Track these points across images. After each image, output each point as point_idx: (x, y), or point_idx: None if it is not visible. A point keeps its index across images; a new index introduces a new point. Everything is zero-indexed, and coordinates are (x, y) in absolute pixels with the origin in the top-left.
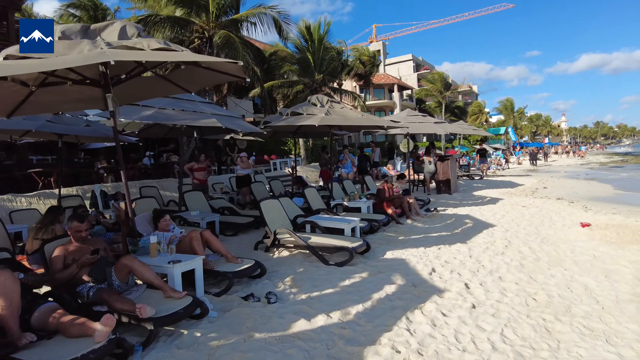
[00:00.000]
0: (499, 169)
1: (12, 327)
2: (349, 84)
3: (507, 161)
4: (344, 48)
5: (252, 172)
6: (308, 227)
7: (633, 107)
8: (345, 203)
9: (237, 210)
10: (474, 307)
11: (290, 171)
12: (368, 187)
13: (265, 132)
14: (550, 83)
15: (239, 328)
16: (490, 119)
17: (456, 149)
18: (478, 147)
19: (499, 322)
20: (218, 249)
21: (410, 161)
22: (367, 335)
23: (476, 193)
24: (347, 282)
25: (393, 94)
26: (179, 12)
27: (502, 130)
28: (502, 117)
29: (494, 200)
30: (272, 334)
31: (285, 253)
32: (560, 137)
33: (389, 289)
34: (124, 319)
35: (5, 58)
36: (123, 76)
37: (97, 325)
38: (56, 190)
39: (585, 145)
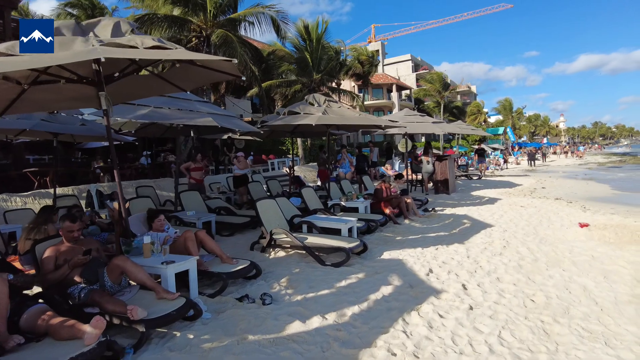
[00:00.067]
0: (497, 169)
1: (0, 329)
2: (348, 84)
3: (505, 161)
4: (342, 48)
5: (250, 172)
6: (305, 227)
7: (631, 107)
8: (343, 203)
9: (233, 210)
10: (471, 308)
11: (288, 171)
12: (366, 187)
13: (262, 132)
14: (549, 83)
15: (232, 330)
16: (488, 119)
17: (454, 149)
18: (476, 147)
19: (496, 324)
20: (213, 249)
21: (409, 161)
22: (363, 338)
23: (474, 193)
24: (343, 283)
25: (392, 94)
26: (176, 11)
27: (501, 130)
28: (500, 117)
29: (492, 200)
30: (266, 336)
31: (281, 253)
32: (558, 138)
33: (386, 290)
34: (116, 321)
35: None
36: (116, 74)
37: (86, 328)
38: (52, 190)
39: (583, 146)
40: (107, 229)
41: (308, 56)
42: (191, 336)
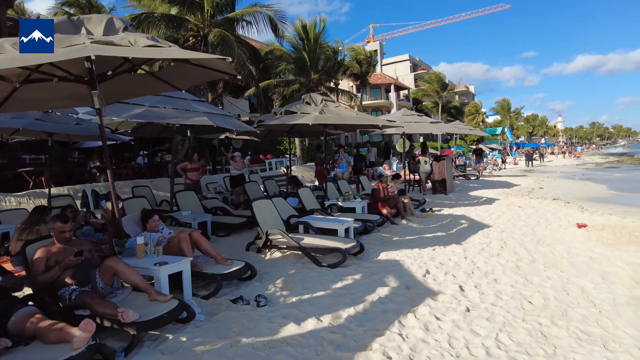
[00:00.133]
0: (495, 169)
1: None
2: (346, 84)
3: (504, 161)
4: (340, 48)
5: (247, 172)
6: (301, 227)
7: (628, 108)
8: (340, 203)
9: (229, 210)
10: (468, 310)
11: (285, 171)
12: (363, 187)
13: (258, 132)
14: (547, 84)
15: (226, 332)
16: (486, 119)
17: (452, 149)
18: (474, 147)
19: (493, 327)
20: (207, 250)
21: (406, 161)
22: (358, 340)
23: (472, 193)
24: (339, 285)
25: (390, 94)
26: (174, 11)
27: (499, 130)
28: (498, 117)
29: (490, 201)
30: (259, 339)
31: (277, 254)
32: (556, 138)
33: (382, 291)
34: (107, 324)
35: None
36: (109, 73)
37: (75, 331)
38: (47, 190)
39: (581, 146)
40: (101, 229)
41: (306, 56)
42: (184, 339)
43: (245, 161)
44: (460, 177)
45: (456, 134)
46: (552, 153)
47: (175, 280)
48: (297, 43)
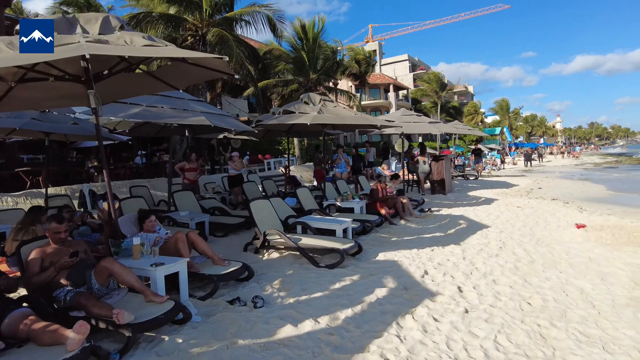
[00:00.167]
0: (494, 169)
1: None
2: (345, 84)
3: (502, 161)
4: (339, 47)
5: (246, 172)
6: (299, 228)
7: (627, 108)
8: (338, 203)
9: (227, 210)
10: (466, 311)
11: (284, 171)
12: (362, 187)
13: (256, 131)
14: (545, 84)
15: (222, 334)
16: (485, 120)
17: (451, 149)
18: (473, 147)
19: (492, 328)
20: (204, 250)
21: (405, 161)
22: (356, 342)
23: (471, 193)
24: (337, 285)
25: (389, 94)
26: (172, 10)
27: (498, 130)
28: (497, 117)
29: (488, 201)
30: (256, 341)
31: (275, 255)
32: (555, 138)
33: (380, 292)
34: (102, 325)
35: None
36: (105, 72)
37: (69, 333)
38: (44, 190)
39: (579, 146)
40: (98, 229)
41: (305, 55)
42: (180, 340)
43: (244, 161)
44: (459, 177)
45: (455, 134)
46: (551, 153)
47: (172, 281)
48: (295, 43)
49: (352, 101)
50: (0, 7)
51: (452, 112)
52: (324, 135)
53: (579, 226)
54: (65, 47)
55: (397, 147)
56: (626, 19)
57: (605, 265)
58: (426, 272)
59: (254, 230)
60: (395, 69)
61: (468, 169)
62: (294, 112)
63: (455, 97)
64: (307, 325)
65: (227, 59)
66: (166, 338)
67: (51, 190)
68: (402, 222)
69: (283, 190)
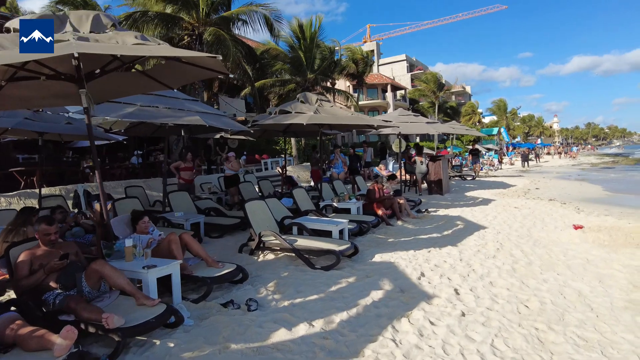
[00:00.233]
0: (491, 170)
1: None
2: (343, 84)
3: (500, 162)
4: (337, 47)
5: (242, 172)
6: (295, 229)
7: (624, 108)
8: (335, 204)
9: (223, 211)
10: (463, 315)
11: (280, 171)
12: (359, 187)
13: (252, 131)
14: (543, 84)
15: (215, 338)
16: (483, 120)
17: (449, 149)
18: (471, 147)
19: (489, 332)
20: (198, 252)
21: (402, 161)
22: (350, 347)
23: (468, 194)
24: (332, 288)
25: (386, 94)
26: (168, 9)
27: (495, 130)
28: (495, 117)
29: (486, 201)
30: (249, 345)
31: (270, 256)
32: (552, 138)
33: (376, 295)
34: (91, 329)
35: None
36: (97, 71)
37: (56, 339)
38: (38, 190)
39: (576, 146)
40: (92, 230)
41: (302, 55)
42: (171, 344)
43: (241, 161)
44: (457, 178)
45: (452, 134)
46: (548, 153)
47: (165, 283)
48: (293, 42)
49: (349, 101)
50: None
51: (450, 113)
52: (320, 135)
53: (576, 227)
54: (55, 45)
55: (395, 147)
56: (623, 20)
57: (603, 267)
58: (423, 274)
59: (250, 231)
60: (392, 69)
61: (465, 169)
62: (290, 112)
63: (453, 97)
64: (302, 329)
65: (221, 57)
66: (157, 342)
67: (45, 191)
68: (399, 222)
69: (280, 191)
